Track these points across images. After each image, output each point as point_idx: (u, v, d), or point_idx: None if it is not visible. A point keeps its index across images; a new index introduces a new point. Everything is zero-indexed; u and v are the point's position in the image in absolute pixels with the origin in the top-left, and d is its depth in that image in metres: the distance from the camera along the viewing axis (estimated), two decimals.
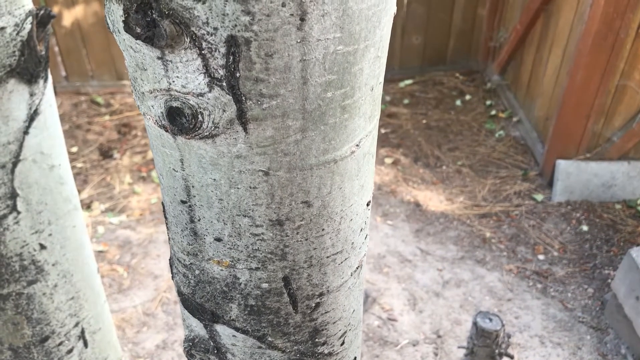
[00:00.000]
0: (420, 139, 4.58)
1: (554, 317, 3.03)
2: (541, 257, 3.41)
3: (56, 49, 4.95)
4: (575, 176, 3.77)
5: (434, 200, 3.91)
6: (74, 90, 5.12)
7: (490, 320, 2.24)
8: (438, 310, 3.08)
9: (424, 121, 4.81)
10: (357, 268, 0.61)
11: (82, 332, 1.18)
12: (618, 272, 2.85)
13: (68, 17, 4.78)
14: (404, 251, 3.47)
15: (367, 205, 0.58)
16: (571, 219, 3.67)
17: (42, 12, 0.90)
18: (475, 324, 2.25)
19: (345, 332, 0.65)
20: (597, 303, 3.10)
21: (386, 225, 3.69)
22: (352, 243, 0.58)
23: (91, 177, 4.16)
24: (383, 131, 4.68)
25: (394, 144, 4.52)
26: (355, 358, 0.72)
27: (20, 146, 0.93)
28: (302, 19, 0.40)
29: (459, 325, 2.99)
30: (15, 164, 0.92)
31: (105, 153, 4.41)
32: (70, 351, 1.16)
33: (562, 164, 3.77)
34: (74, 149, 4.44)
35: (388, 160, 4.31)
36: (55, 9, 4.72)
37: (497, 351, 2.29)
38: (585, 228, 3.59)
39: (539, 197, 3.86)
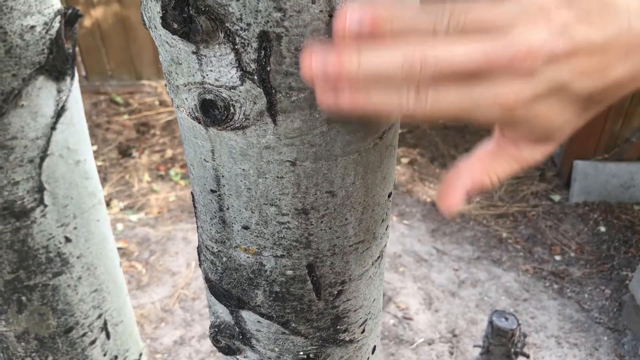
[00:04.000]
0: (437, 138, 4.58)
1: (570, 317, 3.01)
2: (558, 257, 3.40)
3: (76, 48, 5.02)
4: (593, 177, 3.75)
5: None
6: (93, 89, 5.19)
7: (506, 319, 2.24)
8: (454, 309, 3.08)
9: (441, 121, 4.81)
10: (378, 258, 0.63)
11: (105, 324, 1.21)
12: (636, 273, 2.83)
13: (88, 18, 4.85)
14: (420, 250, 3.48)
15: (389, 196, 0.60)
16: (589, 219, 3.64)
17: (69, 11, 0.93)
18: (491, 322, 2.26)
19: (366, 321, 0.67)
20: (615, 304, 3.08)
21: (402, 224, 3.69)
22: (374, 233, 0.60)
23: (110, 175, 4.22)
24: (400, 131, 4.68)
25: (410, 144, 4.52)
26: (375, 347, 0.74)
27: (48, 141, 0.95)
28: (330, 15, 0.41)
29: (474, 324, 2.99)
30: (42, 159, 0.95)
31: (124, 152, 4.47)
32: (93, 342, 1.19)
33: (579, 165, 3.75)
34: (94, 148, 4.50)
35: (404, 160, 4.32)
36: None
37: (512, 350, 2.29)
38: (602, 229, 3.56)
39: (556, 197, 3.84)
